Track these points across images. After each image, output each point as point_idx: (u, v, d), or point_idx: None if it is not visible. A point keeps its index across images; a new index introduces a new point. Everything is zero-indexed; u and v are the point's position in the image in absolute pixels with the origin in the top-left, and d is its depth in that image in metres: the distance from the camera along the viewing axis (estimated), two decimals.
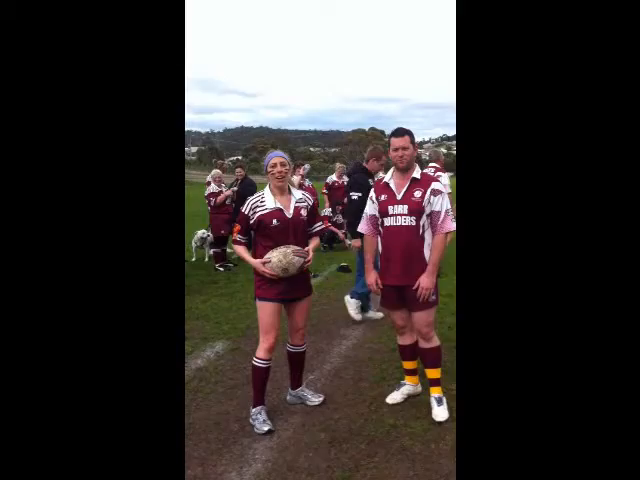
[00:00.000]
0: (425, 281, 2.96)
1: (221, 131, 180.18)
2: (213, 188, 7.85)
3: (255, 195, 3.06)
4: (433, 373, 3.16)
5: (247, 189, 7.72)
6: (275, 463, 2.63)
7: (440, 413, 3.05)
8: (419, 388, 3.37)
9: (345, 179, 10.10)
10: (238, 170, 8.08)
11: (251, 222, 2.99)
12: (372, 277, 3.19)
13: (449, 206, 3.01)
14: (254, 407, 3.03)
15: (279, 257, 2.89)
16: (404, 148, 2.99)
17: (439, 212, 2.98)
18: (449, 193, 8.72)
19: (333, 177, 10.22)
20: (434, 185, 3.01)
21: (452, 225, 3.01)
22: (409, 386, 3.34)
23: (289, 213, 3.01)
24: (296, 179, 7.03)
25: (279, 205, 2.98)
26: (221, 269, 7.63)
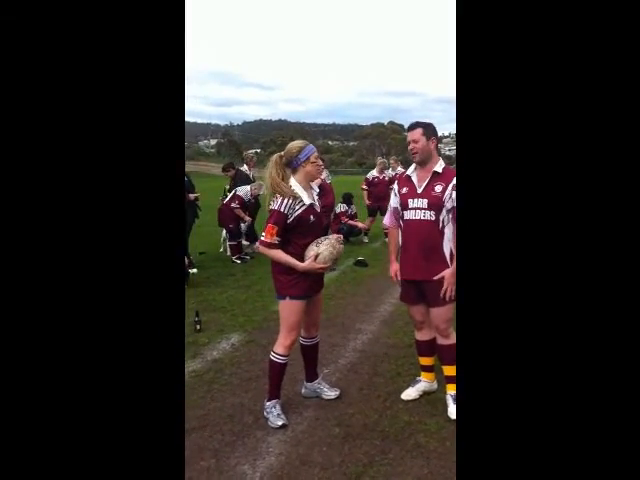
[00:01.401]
0: (450, 277, 2.92)
1: (240, 124, 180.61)
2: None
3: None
4: (450, 370, 3.11)
5: (245, 182, 7.99)
6: (289, 457, 2.63)
7: (454, 410, 3.01)
8: (435, 385, 3.33)
9: (388, 173, 9.98)
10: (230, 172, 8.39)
11: (289, 221, 2.85)
12: (393, 268, 3.21)
13: None
14: (269, 400, 3.02)
15: (329, 249, 2.87)
16: (414, 141, 2.99)
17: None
18: None
19: (374, 172, 9.97)
20: (455, 180, 2.95)
21: None
22: (425, 383, 3.30)
23: (318, 207, 3.00)
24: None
25: (311, 200, 2.94)
26: (238, 261, 7.65)
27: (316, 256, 2.85)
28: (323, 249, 2.86)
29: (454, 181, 2.95)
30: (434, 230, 2.97)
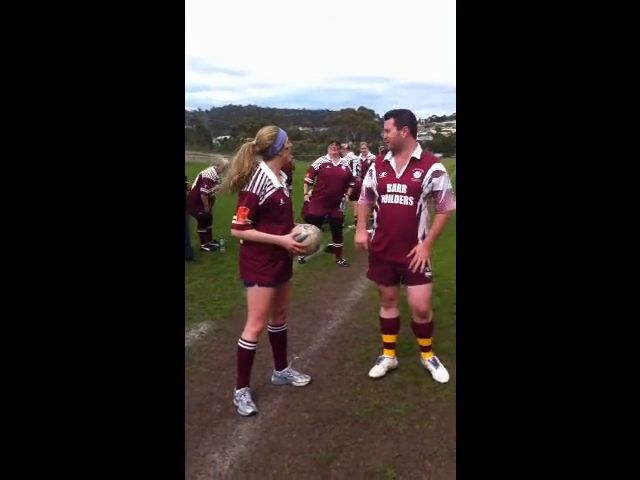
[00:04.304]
0: (421, 250, 3.05)
1: (209, 110, 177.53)
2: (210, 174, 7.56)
3: (258, 174, 2.84)
4: (426, 342, 3.36)
5: None
6: (258, 444, 2.61)
7: (442, 374, 3.26)
8: (396, 361, 3.48)
9: (348, 158, 9.51)
10: None
11: (260, 203, 2.82)
12: (359, 238, 3.32)
13: (451, 185, 3.03)
14: (238, 388, 3.00)
15: (315, 235, 2.95)
16: (386, 131, 3.11)
17: (440, 192, 3.03)
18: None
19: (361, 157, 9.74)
20: (435, 166, 3.03)
21: (453, 204, 3.05)
22: (388, 359, 3.43)
23: (287, 192, 2.99)
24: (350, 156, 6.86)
25: (280, 185, 2.91)
26: (207, 249, 7.54)
27: (296, 235, 2.89)
28: (311, 232, 2.94)
29: (433, 167, 3.02)
30: (412, 215, 3.06)
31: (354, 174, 8.83)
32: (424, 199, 3.05)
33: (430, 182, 3.01)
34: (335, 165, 6.63)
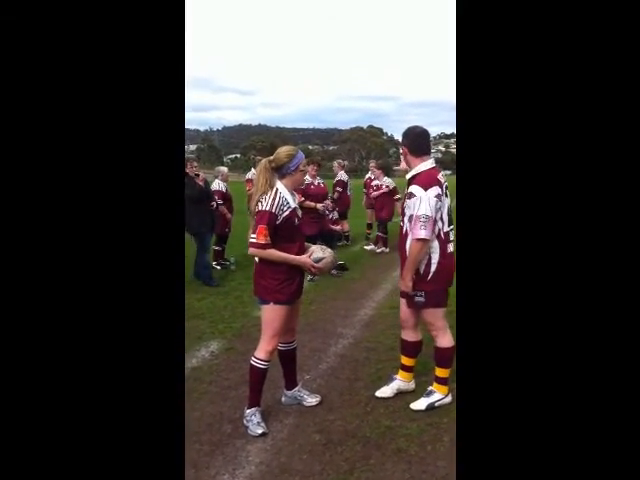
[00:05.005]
0: (400, 283, 3.06)
1: (220, 129, 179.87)
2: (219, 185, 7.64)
3: (275, 193, 2.84)
4: (437, 371, 3.20)
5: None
6: (269, 465, 2.59)
7: (418, 402, 3.13)
8: (412, 385, 3.36)
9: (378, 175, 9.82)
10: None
11: (278, 222, 2.81)
12: None
13: (424, 212, 2.84)
14: (249, 408, 2.98)
15: (332, 258, 3.01)
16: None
17: (412, 216, 2.91)
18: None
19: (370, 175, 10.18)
20: (410, 189, 2.96)
21: (420, 232, 2.86)
22: (400, 382, 3.33)
23: (300, 212, 3.02)
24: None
25: (295, 205, 2.95)
26: (218, 267, 7.56)
27: (312, 255, 2.93)
28: (327, 255, 2.97)
29: (409, 189, 2.96)
30: (402, 235, 3.07)
31: (347, 193, 9.40)
32: (409, 221, 2.95)
33: (405, 204, 2.98)
34: (316, 184, 7.16)
